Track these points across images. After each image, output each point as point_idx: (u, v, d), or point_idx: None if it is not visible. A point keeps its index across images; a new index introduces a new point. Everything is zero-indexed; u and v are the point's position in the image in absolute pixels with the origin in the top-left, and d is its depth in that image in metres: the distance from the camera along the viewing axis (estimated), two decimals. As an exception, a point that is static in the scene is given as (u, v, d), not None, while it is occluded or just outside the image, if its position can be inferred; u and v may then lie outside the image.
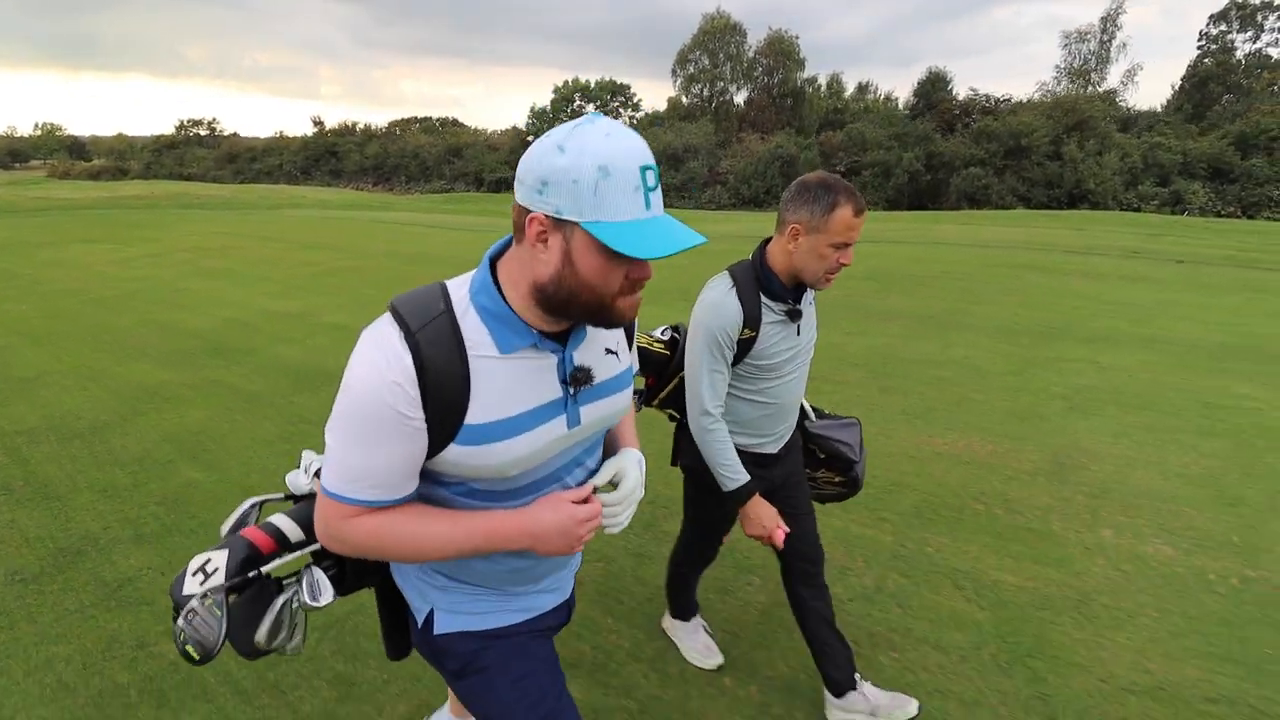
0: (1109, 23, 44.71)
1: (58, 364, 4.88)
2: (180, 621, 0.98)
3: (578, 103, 46.88)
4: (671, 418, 2.00)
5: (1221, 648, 2.11)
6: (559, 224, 0.84)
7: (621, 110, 48.54)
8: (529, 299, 0.91)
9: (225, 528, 1.15)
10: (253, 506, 1.19)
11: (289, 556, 1.11)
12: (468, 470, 0.95)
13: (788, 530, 1.74)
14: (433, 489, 1.00)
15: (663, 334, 1.93)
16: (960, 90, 40.76)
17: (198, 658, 0.97)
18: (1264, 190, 27.47)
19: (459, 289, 0.94)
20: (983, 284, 7.48)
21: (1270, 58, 38.72)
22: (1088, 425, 3.72)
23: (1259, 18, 39.75)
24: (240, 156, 51.60)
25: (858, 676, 1.94)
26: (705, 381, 1.66)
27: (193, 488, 3.08)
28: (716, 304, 1.63)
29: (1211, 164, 28.69)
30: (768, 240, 1.67)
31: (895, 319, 6.03)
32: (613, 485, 1.06)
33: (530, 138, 45.12)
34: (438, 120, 57.79)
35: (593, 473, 1.09)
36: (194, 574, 1.03)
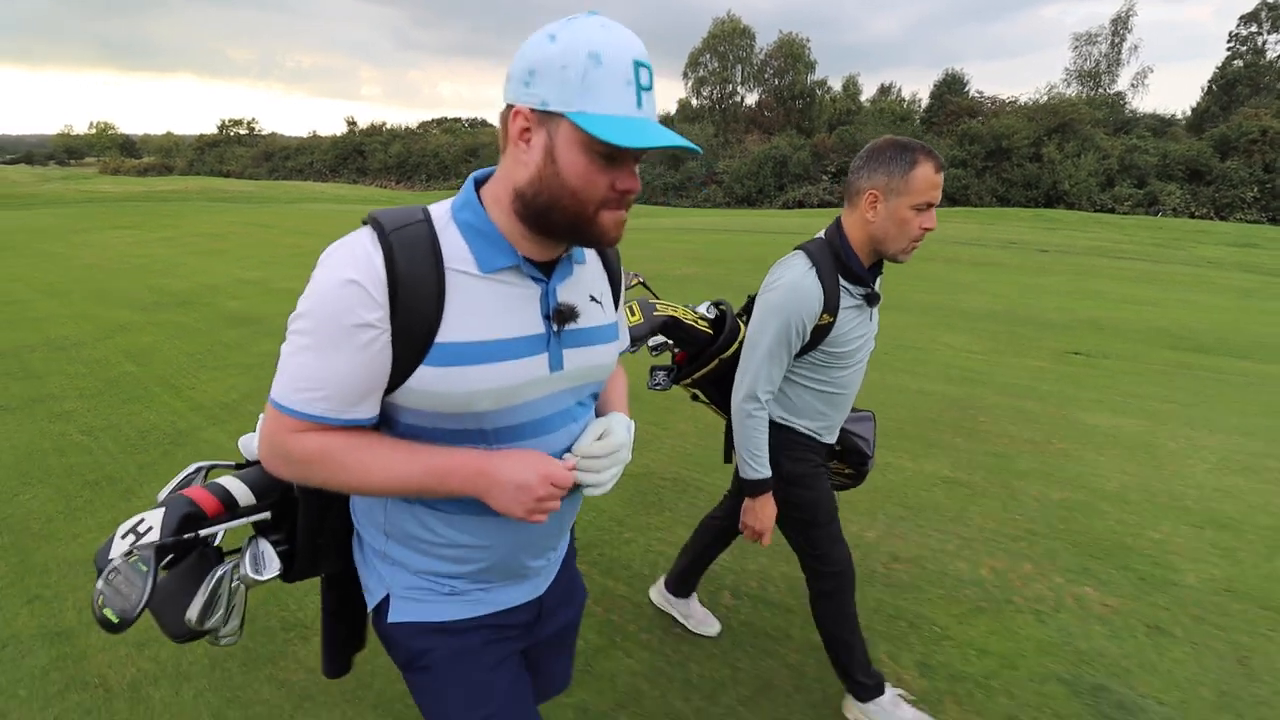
0: (1119, 25, 44.49)
1: (63, 310, 6.45)
2: (99, 583, 0.84)
3: (589, 104, 48.30)
4: (695, 397, 1.93)
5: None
6: (544, 118, 0.78)
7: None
8: (511, 215, 0.85)
9: (163, 494, 1.01)
10: (197, 470, 1.06)
11: (235, 523, 0.98)
12: (436, 399, 0.85)
13: (769, 542, 1.68)
14: (396, 432, 0.91)
15: (708, 310, 1.81)
16: (981, 91, 41.15)
17: (116, 622, 0.82)
18: (1237, 192, 27.70)
19: (439, 207, 0.87)
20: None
21: None
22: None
23: None
24: (275, 155, 54.11)
25: (694, 594, 2.02)
26: (765, 368, 1.55)
27: (127, 374, 4.56)
28: (796, 286, 1.50)
29: (1190, 166, 28.94)
30: (836, 220, 1.57)
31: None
32: (597, 441, 0.96)
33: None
34: (466, 121, 59.72)
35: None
36: (124, 536, 0.90)
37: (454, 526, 0.94)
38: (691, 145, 0.79)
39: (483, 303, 0.85)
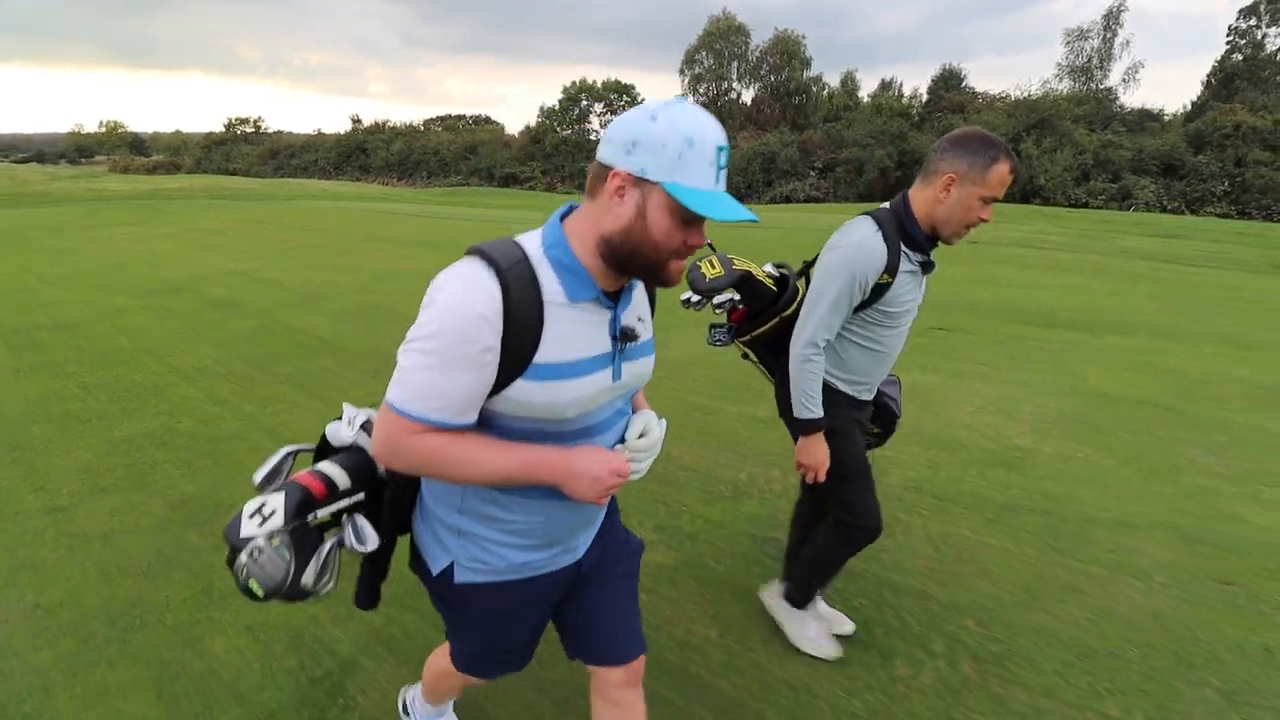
0: (1111, 20, 44.60)
1: (68, 297, 7.29)
2: (244, 558, 1.00)
3: (584, 102, 48.92)
4: (745, 356, 2.05)
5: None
6: (639, 183, 0.94)
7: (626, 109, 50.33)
8: (594, 254, 1.01)
9: (259, 476, 1.15)
10: (287, 455, 1.19)
11: (340, 504, 1.12)
12: (528, 407, 1.01)
13: (823, 478, 1.81)
14: (484, 431, 1.05)
15: (773, 270, 1.92)
16: (979, 87, 41.11)
17: (261, 595, 1.00)
18: (1208, 186, 28.21)
19: (530, 242, 1.02)
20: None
21: None
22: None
23: None
24: (280, 153, 55.03)
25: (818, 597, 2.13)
26: (826, 317, 1.69)
27: (119, 347, 5.39)
28: (864, 244, 1.64)
29: (1164, 161, 29.47)
30: (903, 194, 1.69)
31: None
32: (640, 438, 1.14)
33: (539, 134, 47.32)
34: (470, 118, 60.40)
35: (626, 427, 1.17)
36: (250, 516, 1.04)
37: (523, 507, 1.12)
38: (755, 218, 0.98)
39: (570, 328, 1.01)
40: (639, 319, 1.15)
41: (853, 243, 1.65)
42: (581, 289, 1.01)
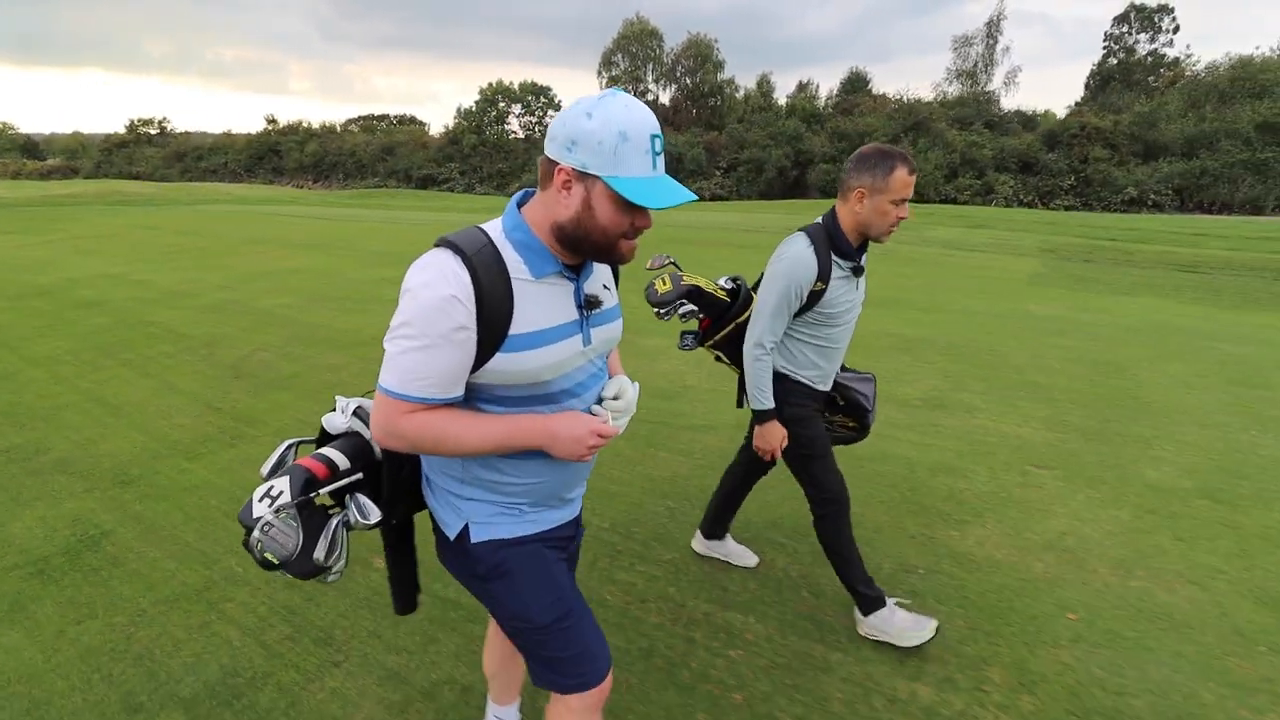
0: (993, 28, 47.86)
1: (-66, 300, 7.66)
2: (256, 533, 1.10)
3: (501, 104, 49.15)
4: (718, 359, 2.25)
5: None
6: (582, 176, 1.03)
7: (548, 110, 50.81)
8: (549, 236, 1.10)
9: (266, 468, 1.23)
10: (289, 447, 1.27)
11: (340, 483, 1.20)
12: (510, 376, 1.11)
13: (779, 457, 2.05)
14: (473, 403, 1.16)
15: (726, 283, 2.15)
16: (884, 90, 42.93)
17: (277, 563, 1.10)
18: (1056, 181, 31.28)
19: (493, 228, 1.12)
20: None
21: (1165, 57, 41.33)
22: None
23: (1156, 19, 41.92)
24: (187, 155, 52.79)
25: (729, 535, 2.35)
26: (770, 321, 1.91)
27: (-23, 342, 5.97)
28: (798, 259, 1.86)
29: (1021, 158, 32.44)
30: (831, 210, 1.91)
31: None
32: (615, 399, 1.24)
33: (457, 135, 47.22)
34: (396, 118, 59.27)
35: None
36: (260, 500, 1.13)
37: (517, 470, 1.20)
38: (694, 197, 1.06)
39: (537, 301, 1.10)
40: (604, 286, 1.25)
41: (788, 257, 1.88)
42: (544, 264, 1.11)
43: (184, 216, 18.21)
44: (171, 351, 5.62)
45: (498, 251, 1.08)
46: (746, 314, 2.07)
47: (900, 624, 2.08)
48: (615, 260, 1.14)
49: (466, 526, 1.24)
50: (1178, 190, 29.72)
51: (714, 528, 2.57)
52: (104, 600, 2.38)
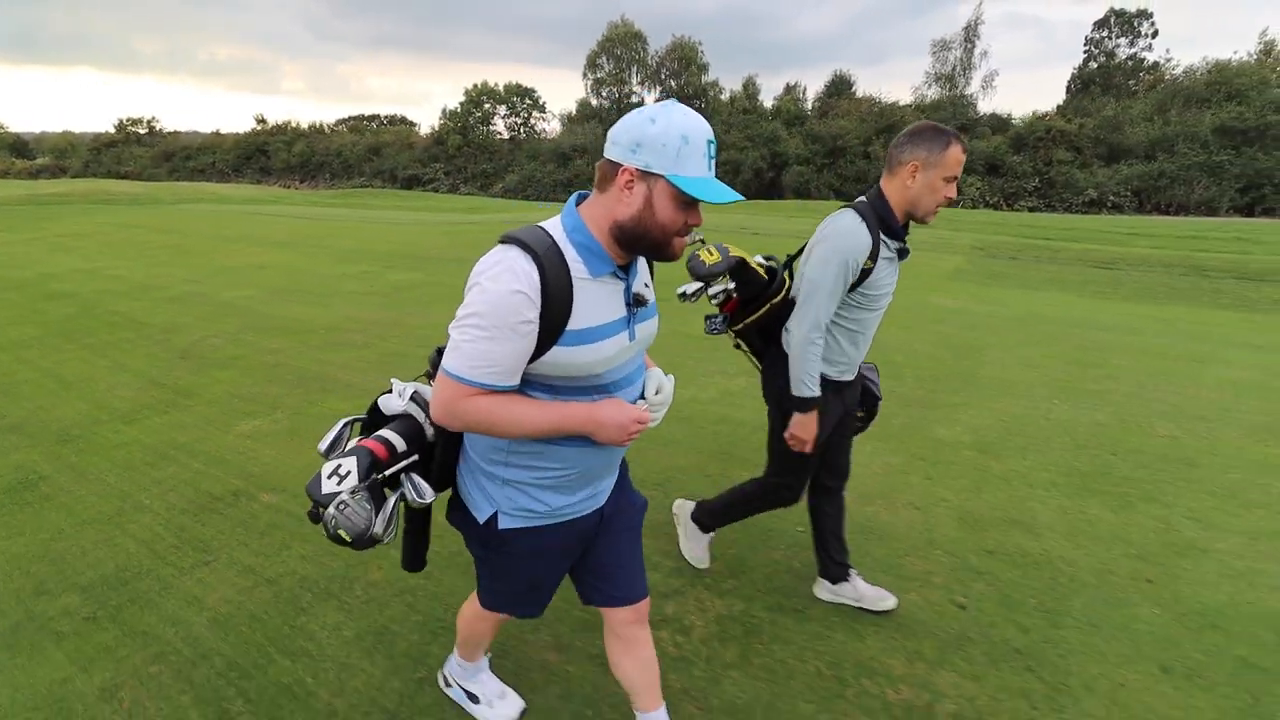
0: (970, 32, 48.48)
1: (-87, 292, 8.13)
2: (332, 510, 1.19)
3: (486, 105, 49.55)
4: (737, 346, 2.18)
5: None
6: (645, 176, 1.13)
7: (532, 111, 51.22)
8: (608, 236, 1.19)
9: (324, 444, 1.33)
10: (345, 425, 1.37)
11: (399, 465, 1.30)
12: (566, 368, 1.19)
13: (810, 449, 1.97)
14: (528, 392, 1.23)
15: (763, 260, 2.03)
16: (872, 92, 43.15)
17: (350, 540, 1.20)
18: (1021, 183, 32.00)
19: (554, 227, 1.20)
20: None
21: (1144, 61, 41.53)
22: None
23: (1135, 24, 41.99)
24: (176, 155, 52.87)
25: (851, 571, 2.28)
26: (827, 301, 1.83)
27: (-50, 329, 6.46)
28: (853, 231, 1.79)
29: (989, 160, 33.14)
30: (875, 188, 1.86)
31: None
32: (656, 394, 1.33)
33: (442, 136, 47.59)
34: (386, 118, 59.45)
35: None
36: (329, 477, 1.23)
37: (560, 456, 1.30)
38: (742, 198, 1.18)
39: (594, 299, 1.20)
40: (645, 284, 1.33)
41: (841, 230, 1.82)
42: (601, 265, 1.20)
43: (164, 215, 18.59)
44: (130, 337, 6.12)
45: (560, 251, 1.17)
46: (780, 296, 2.01)
47: (695, 552, 2.53)
48: (668, 256, 1.21)
49: (496, 514, 1.35)
50: (1136, 192, 30.49)
51: (833, 569, 2.33)
52: (33, 524, 2.91)
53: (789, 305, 1.98)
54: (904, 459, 3.57)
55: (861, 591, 2.28)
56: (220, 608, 2.34)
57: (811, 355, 1.87)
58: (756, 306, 2.00)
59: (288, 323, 6.63)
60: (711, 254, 1.92)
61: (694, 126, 1.12)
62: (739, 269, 1.97)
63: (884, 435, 3.87)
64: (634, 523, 1.57)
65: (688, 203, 1.15)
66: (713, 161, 1.16)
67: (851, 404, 2.13)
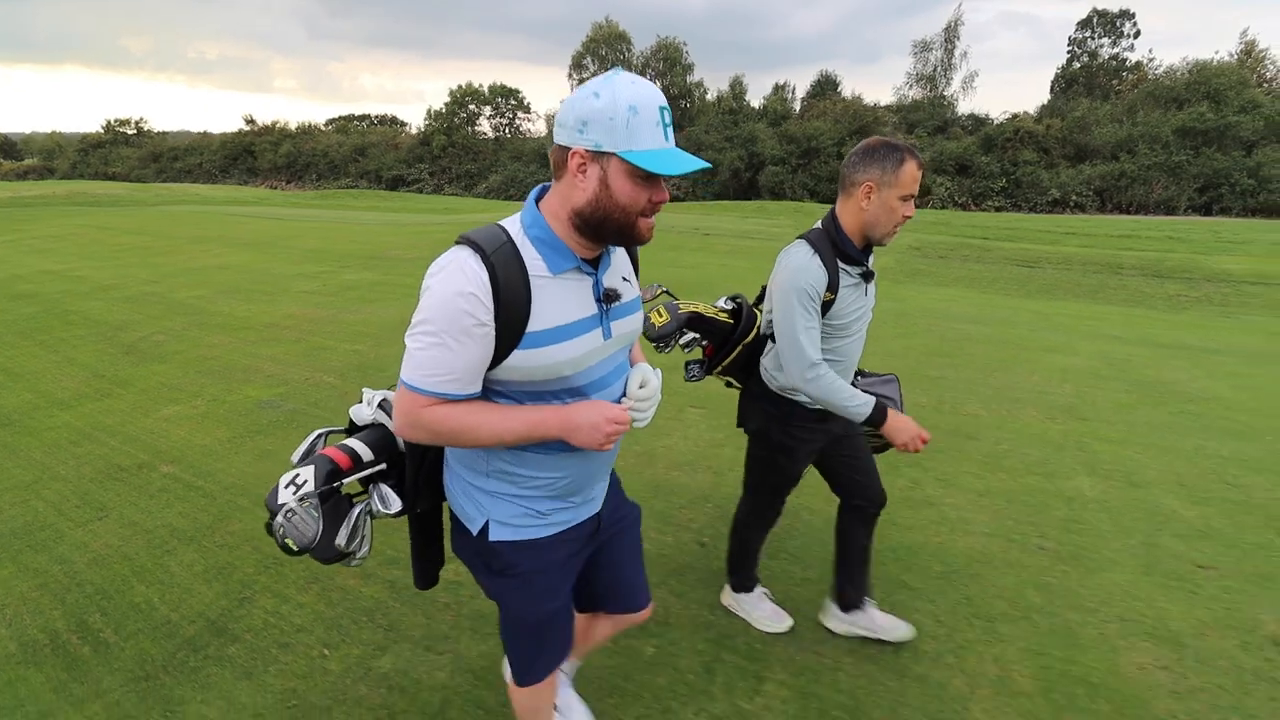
0: (951, 33, 48.98)
1: (-114, 294, 8.58)
2: (279, 519, 1.14)
3: (471, 106, 49.89)
4: (728, 384, 2.13)
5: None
6: (596, 156, 1.04)
7: (517, 111, 51.53)
8: (569, 227, 1.11)
9: (296, 455, 1.28)
10: (319, 436, 1.32)
11: (362, 474, 1.25)
12: (530, 372, 1.12)
13: (929, 437, 1.80)
14: (494, 398, 1.17)
15: (725, 304, 2.00)
16: (860, 92, 43.33)
17: (296, 549, 1.15)
18: (989, 183, 32.63)
19: (512, 225, 1.13)
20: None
21: (1126, 61, 41.86)
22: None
23: (1118, 24, 42.35)
24: (163, 156, 52.87)
25: (867, 599, 2.20)
26: (804, 337, 1.73)
27: (-84, 328, 6.94)
28: (803, 266, 1.72)
29: (959, 161, 33.74)
30: (830, 213, 1.77)
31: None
32: (640, 388, 1.23)
33: (427, 137, 47.90)
34: (376, 118, 59.61)
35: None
36: (286, 486, 1.18)
37: (541, 464, 1.24)
38: (708, 165, 1.08)
39: (556, 297, 1.13)
40: (623, 278, 1.26)
41: (791, 267, 1.75)
42: (562, 261, 1.13)
43: (142, 217, 18.97)
44: (83, 335, 6.61)
45: (516, 249, 1.10)
46: (752, 334, 1.97)
47: (764, 614, 2.34)
48: (635, 240, 1.14)
49: (487, 523, 1.28)
50: (1099, 192, 31.15)
51: (849, 595, 2.24)
52: (-40, 489, 3.44)
53: (762, 341, 1.99)
54: (725, 434, 4.12)
55: (877, 623, 2.22)
56: (101, 551, 2.88)
57: (827, 387, 1.77)
58: (730, 349, 1.99)
59: (230, 320, 7.13)
60: (660, 315, 1.91)
61: (643, 95, 1.04)
62: (697, 321, 1.96)
63: (721, 413, 4.41)
64: (634, 532, 1.55)
65: (647, 178, 1.07)
66: (669, 129, 1.08)
67: (847, 429, 2.02)
